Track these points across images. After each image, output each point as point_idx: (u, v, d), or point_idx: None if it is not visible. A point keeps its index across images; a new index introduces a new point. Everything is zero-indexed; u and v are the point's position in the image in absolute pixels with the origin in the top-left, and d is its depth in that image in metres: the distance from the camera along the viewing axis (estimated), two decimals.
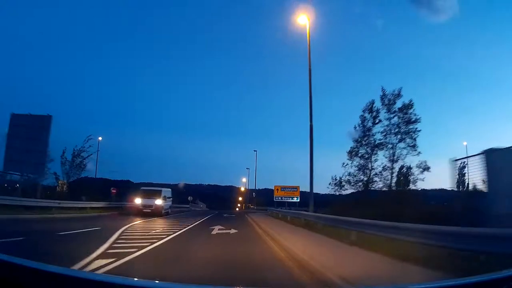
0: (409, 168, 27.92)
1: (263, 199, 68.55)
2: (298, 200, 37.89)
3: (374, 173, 29.64)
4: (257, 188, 72.20)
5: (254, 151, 57.12)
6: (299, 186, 38.33)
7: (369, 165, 30.07)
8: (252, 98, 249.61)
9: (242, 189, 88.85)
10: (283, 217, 25.26)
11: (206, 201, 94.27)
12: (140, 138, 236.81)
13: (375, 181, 29.59)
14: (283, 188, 38.29)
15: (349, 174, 28.70)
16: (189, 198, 63.87)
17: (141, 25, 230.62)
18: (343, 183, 29.04)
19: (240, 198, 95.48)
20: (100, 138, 44.81)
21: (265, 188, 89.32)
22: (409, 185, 28.39)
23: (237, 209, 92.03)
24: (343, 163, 30.04)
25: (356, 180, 29.23)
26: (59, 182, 33.37)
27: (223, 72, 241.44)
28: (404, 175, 28.90)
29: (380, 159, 29.71)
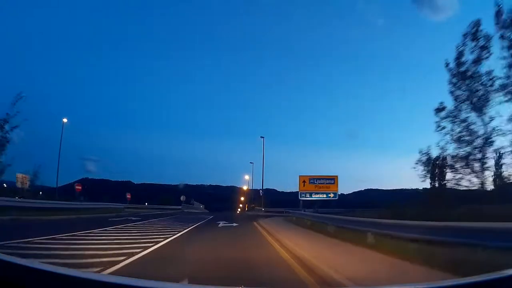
0: None
1: (266, 200, 56.53)
2: (336, 198, 24.16)
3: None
4: (260, 187, 59.83)
5: (261, 137, 43.55)
6: (337, 176, 24.44)
7: (479, 128, 16.57)
8: (253, 98, 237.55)
9: (245, 187, 77.06)
10: (353, 236, 11.31)
11: (207, 202, 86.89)
12: (141, 139, 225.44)
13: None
14: (313, 180, 24.28)
15: (459, 140, 15.36)
16: (181, 197, 50.29)
17: (141, 26, 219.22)
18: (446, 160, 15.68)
19: (242, 198, 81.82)
20: (65, 120, 33.79)
21: (267, 188, 78.30)
22: None
23: (239, 210, 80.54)
24: (438, 125, 16.73)
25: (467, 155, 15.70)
26: (18, 176, 24.70)
27: (224, 72, 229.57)
28: None
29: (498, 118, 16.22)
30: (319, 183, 24.06)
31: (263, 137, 43.29)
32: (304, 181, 23.99)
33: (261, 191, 43.24)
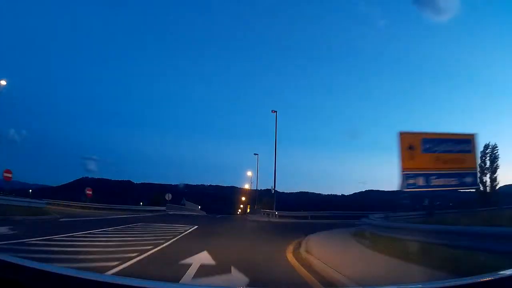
0: None
1: (269, 201, 43.87)
2: (478, 187, 9.49)
3: None
4: (261, 188, 50.58)
5: (273, 111, 30.22)
6: (473, 136, 10.74)
7: None
8: (254, 98, 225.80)
9: (247, 186, 62.24)
10: None
11: (207, 202, 79.48)
12: (142, 139, 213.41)
13: None
14: (430, 143, 9.79)
15: None
16: (166, 196, 36.64)
17: (143, 26, 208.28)
18: None
19: (243, 198, 69.19)
20: (3, 82, 23.80)
21: (268, 189, 68.26)
22: None
23: (239, 211, 69.68)
24: None
25: None
26: None
27: (225, 72, 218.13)
28: None
29: None
30: (443, 151, 10.19)
31: (276, 111, 30.04)
32: (411, 147, 9.74)
33: (273, 188, 29.57)
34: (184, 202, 47.12)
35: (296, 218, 23.80)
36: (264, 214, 31.53)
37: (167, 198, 36.47)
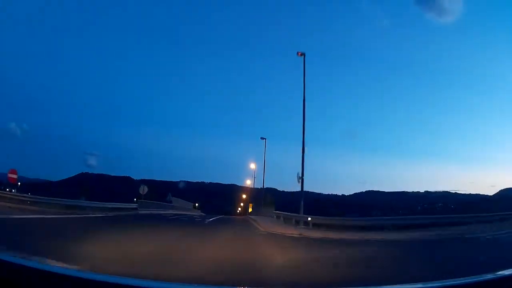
0: None
1: (271, 200, 39.99)
2: None
3: None
4: (264, 186, 43.84)
5: (301, 54, 19.12)
6: None
7: None
8: (254, 96, 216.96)
9: (248, 182, 57.13)
10: None
11: (207, 200, 75.45)
12: (143, 135, 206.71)
13: None
14: None
15: None
16: (140, 189, 26.08)
17: (147, 23, 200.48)
18: None
19: (244, 196, 61.98)
20: None
21: (267, 187, 64.57)
22: None
23: (239, 209, 64.51)
24: None
25: None
26: None
27: (225, 71, 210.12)
28: None
29: None
30: None
31: (304, 54, 19.35)
32: None
33: (300, 177, 18.23)
34: (171, 199, 36.65)
35: (348, 230, 12.87)
36: (280, 218, 20.69)
37: (141, 192, 26.12)
